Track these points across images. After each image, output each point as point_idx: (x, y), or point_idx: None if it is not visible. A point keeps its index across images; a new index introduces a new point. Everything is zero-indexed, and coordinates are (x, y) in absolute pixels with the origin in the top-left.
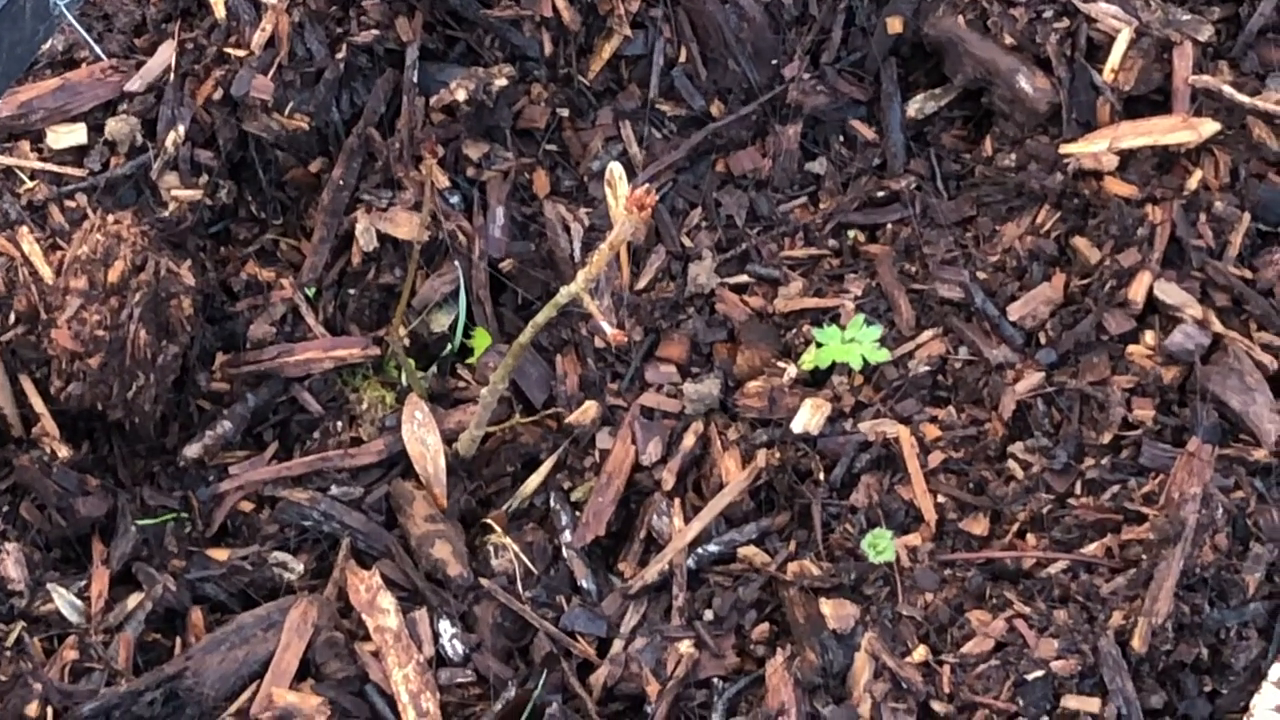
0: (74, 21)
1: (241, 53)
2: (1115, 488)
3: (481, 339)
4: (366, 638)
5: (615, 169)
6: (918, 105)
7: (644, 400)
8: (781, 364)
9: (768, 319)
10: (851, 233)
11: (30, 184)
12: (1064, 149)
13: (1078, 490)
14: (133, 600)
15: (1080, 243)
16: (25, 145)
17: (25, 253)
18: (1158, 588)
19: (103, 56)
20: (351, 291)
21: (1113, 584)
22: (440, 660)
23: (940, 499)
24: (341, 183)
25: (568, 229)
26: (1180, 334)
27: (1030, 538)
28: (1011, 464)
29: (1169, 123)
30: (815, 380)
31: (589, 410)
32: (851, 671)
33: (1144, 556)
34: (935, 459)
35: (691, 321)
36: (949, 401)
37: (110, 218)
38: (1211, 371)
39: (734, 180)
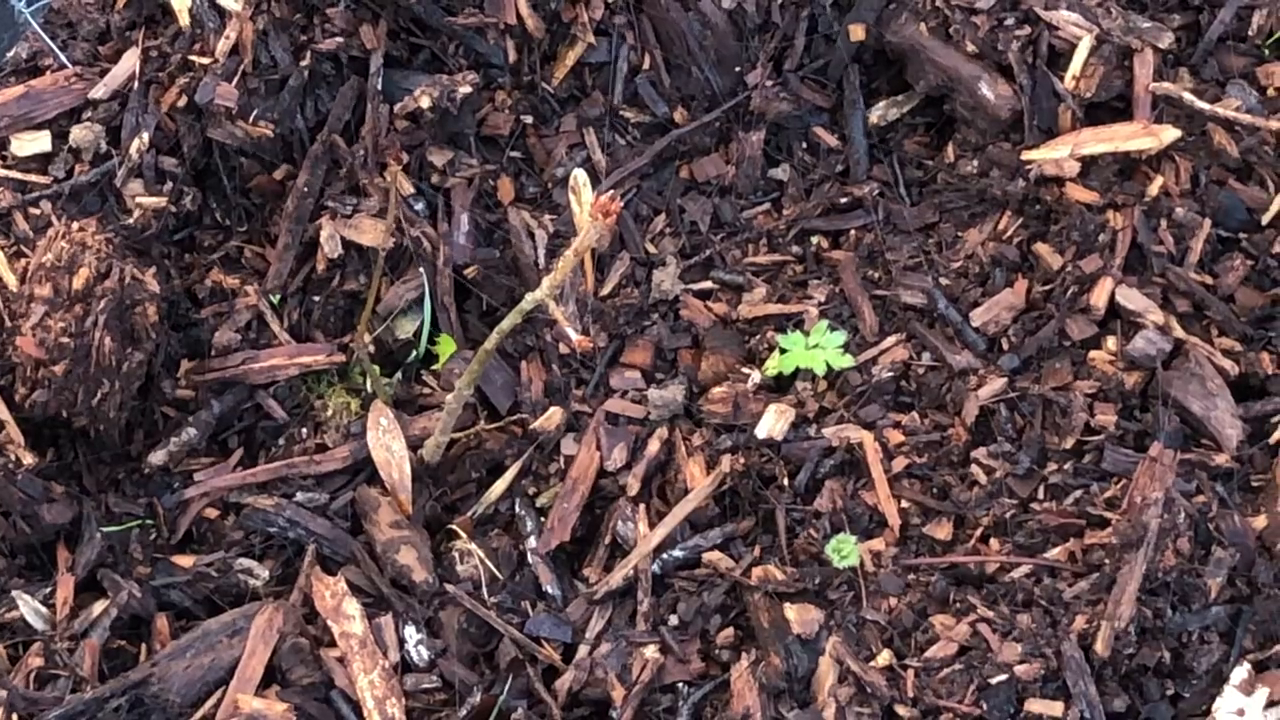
0: (38, 29)
1: (206, 60)
2: (1078, 492)
3: (446, 345)
4: (332, 644)
5: (579, 175)
6: (880, 112)
7: (609, 406)
8: (746, 370)
9: (732, 325)
10: (815, 239)
11: None
12: (1026, 155)
13: (1040, 495)
14: (98, 607)
15: (1042, 249)
16: None
17: None
18: (1120, 592)
19: (67, 64)
20: (316, 298)
21: (1076, 588)
22: (406, 666)
23: (904, 504)
24: (306, 190)
25: (532, 235)
26: (1142, 339)
27: (994, 542)
28: (975, 469)
29: (1130, 129)
30: (779, 386)
31: (554, 416)
32: (816, 676)
33: (1107, 561)
34: (899, 464)
35: (656, 327)
36: (912, 407)
37: (75, 225)
38: (1173, 377)
39: (698, 187)
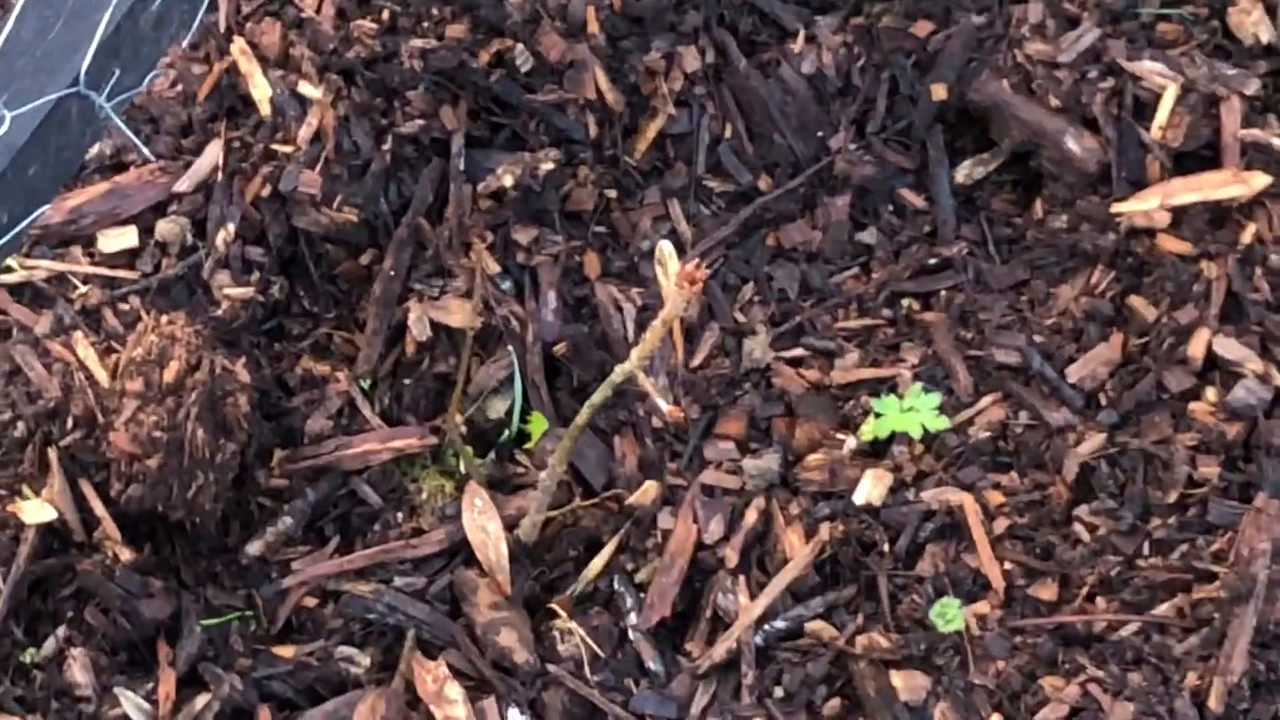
0: (121, 124)
1: (288, 148)
2: (1184, 547)
3: (538, 423)
4: None
5: (665, 247)
6: (966, 171)
7: (704, 478)
8: (841, 436)
9: (825, 391)
10: (905, 301)
11: (83, 289)
12: (1115, 208)
13: (1146, 551)
14: (200, 701)
15: (1136, 301)
16: (77, 250)
17: (80, 357)
18: (1231, 646)
19: (151, 158)
20: (407, 382)
21: (1186, 644)
22: None
23: (1007, 565)
24: (392, 273)
25: (620, 309)
26: (1242, 389)
27: (1100, 601)
28: (1078, 527)
29: (1220, 177)
30: (875, 451)
31: (649, 490)
32: None
33: (1216, 615)
34: (1000, 525)
35: (748, 397)
36: (1011, 467)
37: (164, 319)
38: (1275, 426)
39: (785, 253)
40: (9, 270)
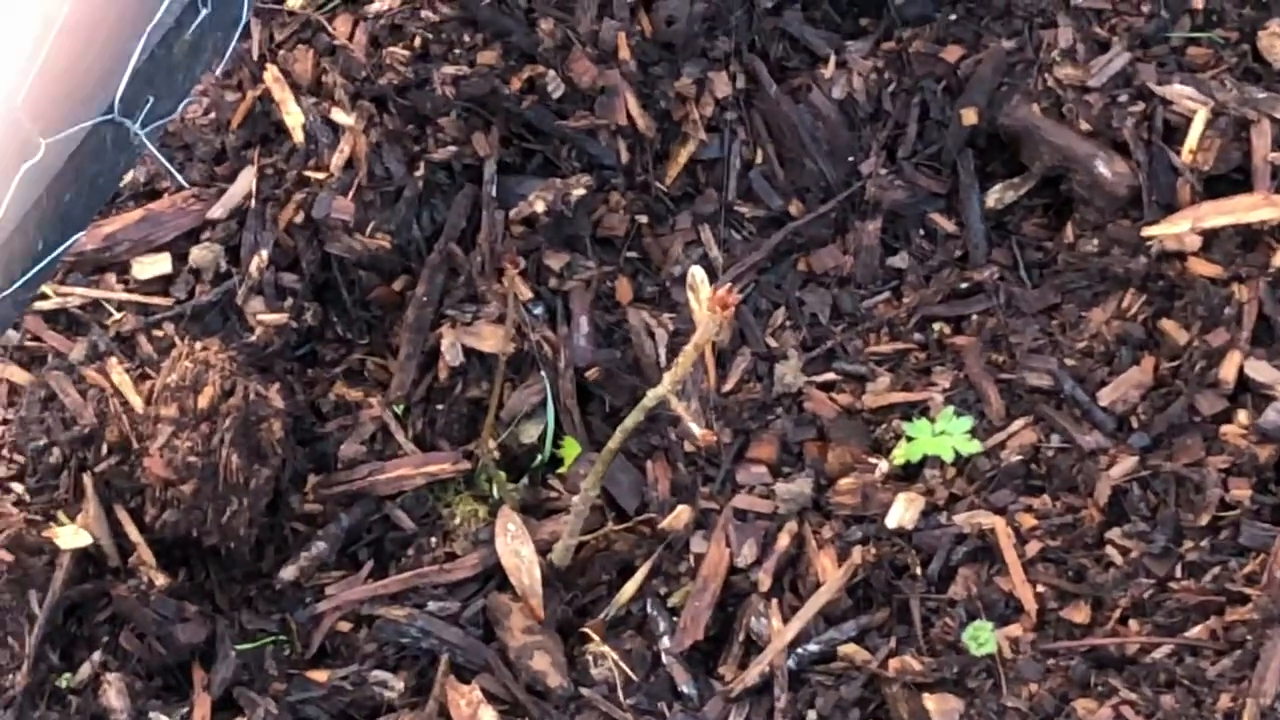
0: (155, 151)
1: (321, 175)
2: (1216, 569)
3: (571, 448)
4: None
5: (697, 272)
6: (997, 195)
7: (736, 502)
8: (873, 460)
9: (857, 415)
10: (937, 325)
11: (118, 315)
12: (1146, 232)
13: (1178, 573)
14: None
15: (1168, 325)
16: (111, 277)
17: (115, 383)
18: (1264, 668)
19: (185, 185)
20: (440, 407)
21: (1219, 666)
22: None
23: (1040, 588)
24: (425, 299)
25: (652, 334)
26: (1273, 412)
27: (1133, 623)
28: (1110, 550)
29: (1251, 201)
30: (907, 474)
31: (682, 515)
32: None
33: (1249, 637)
34: (1033, 548)
35: (780, 421)
36: (1043, 490)
37: (198, 345)
38: None
39: (816, 278)
40: (44, 297)
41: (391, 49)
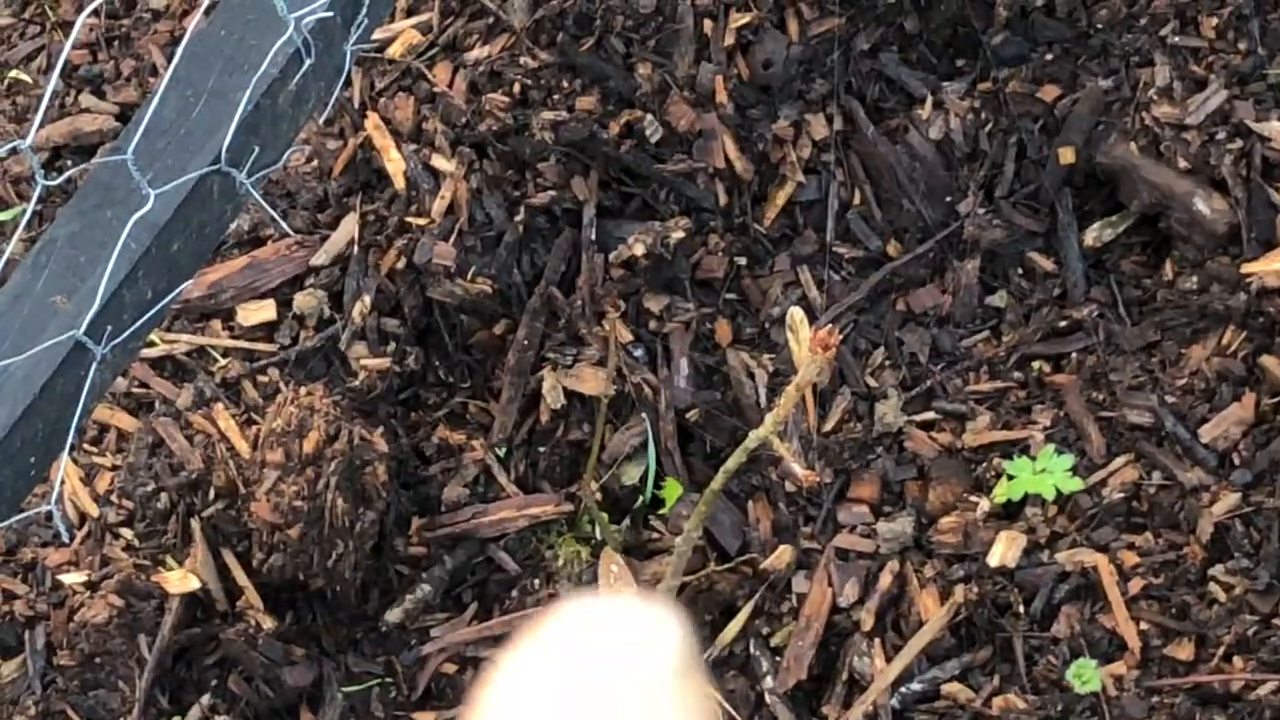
0: (259, 199)
1: (422, 221)
2: None
3: (672, 489)
4: None
5: (796, 312)
6: (1095, 233)
7: (838, 542)
8: (974, 498)
9: (957, 454)
10: (1036, 364)
11: (223, 362)
12: (1246, 269)
13: None
14: None
15: (1268, 361)
16: (217, 324)
17: (222, 429)
18: None
19: (289, 232)
20: (541, 449)
21: None
22: None
23: (1143, 626)
24: (526, 343)
25: (752, 376)
26: None
27: (1237, 660)
28: (1213, 587)
29: None
30: (1009, 513)
31: (784, 555)
32: None
33: None
34: (1135, 586)
35: (881, 460)
36: (1145, 527)
37: (302, 390)
38: None
39: (915, 318)
40: (151, 344)
41: (491, 95)
